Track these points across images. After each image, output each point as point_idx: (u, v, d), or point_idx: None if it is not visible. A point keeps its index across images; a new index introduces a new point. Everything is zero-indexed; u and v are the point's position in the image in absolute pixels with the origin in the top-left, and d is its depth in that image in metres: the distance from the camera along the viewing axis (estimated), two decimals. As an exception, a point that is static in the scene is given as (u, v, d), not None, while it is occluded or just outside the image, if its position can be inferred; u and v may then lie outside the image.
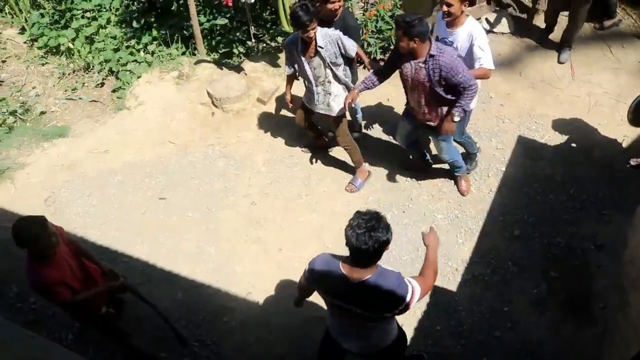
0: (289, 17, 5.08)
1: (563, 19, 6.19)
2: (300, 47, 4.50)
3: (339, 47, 4.47)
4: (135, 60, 6.57)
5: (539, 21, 6.48)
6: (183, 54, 6.60)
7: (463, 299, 4.47)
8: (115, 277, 3.81)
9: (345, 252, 4.76)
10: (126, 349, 4.12)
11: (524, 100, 5.85)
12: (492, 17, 6.61)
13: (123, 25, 6.81)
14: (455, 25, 4.29)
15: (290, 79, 4.98)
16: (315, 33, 4.33)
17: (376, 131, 5.73)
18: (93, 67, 6.60)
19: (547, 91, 5.92)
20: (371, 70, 4.67)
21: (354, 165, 5.24)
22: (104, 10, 6.86)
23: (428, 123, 4.52)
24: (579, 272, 4.54)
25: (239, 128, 5.91)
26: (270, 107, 6.07)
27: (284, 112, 5.98)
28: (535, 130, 5.56)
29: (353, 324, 3.02)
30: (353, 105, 4.77)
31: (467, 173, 5.22)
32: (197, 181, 5.46)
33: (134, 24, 6.69)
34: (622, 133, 5.38)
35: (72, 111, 6.30)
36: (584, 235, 4.74)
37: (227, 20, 6.51)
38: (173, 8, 6.82)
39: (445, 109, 4.34)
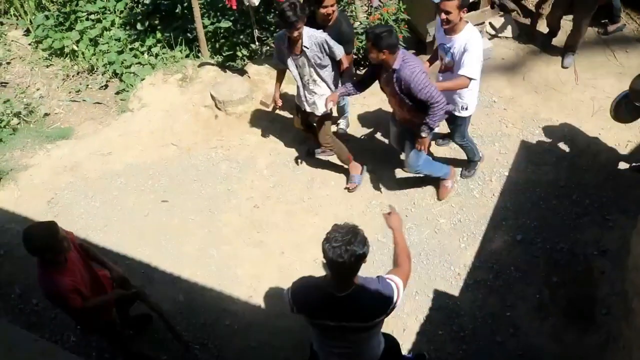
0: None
1: (567, 24, 6.18)
2: (287, 44, 4.58)
3: (325, 49, 4.53)
4: (139, 63, 6.59)
5: (543, 26, 6.47)
6: (187, 56, 6.61)
7: (465, 303, 4.46)
8: (127, 285, 3.78)
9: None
10: (128, 353, 4.12)
11: (528, 104, 5.84)
12: (495, 21, 6.60)
13: (127, 28, 6.83)
14: (453, 31, 4.29)
15: (280, 76, 5.07)
16: (300, 33, 4.40)
17: (379, 135, 5.72)
18: (97, 69, 6.62)
19: (551, 96, 5.90)
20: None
21: (344, 165, 5.29)
22: (109, 12, 6.87)
23: (408, 126, 4.60)
24: (582, 278, 4.52)
25: (242, 131, 5.91)
26: (274, 110, 6.07)
27: (287, 115, 5.99)
28: (539, 134, 5.54)
29: (344, 345, 2.97)
30: (331, 108, 4.79)
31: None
32: (199, 184, 5.46)
33: (138, 27, 6.71)
34: (626, 138, 5.37)
35: (76, 113, 6.32)
36: (587, 241, 4.73)
37: (230, 23, 6.51)
38: (177, 11, 6.84)
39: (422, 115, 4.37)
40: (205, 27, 6.39)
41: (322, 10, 4.65)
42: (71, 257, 3.41)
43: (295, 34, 4.37)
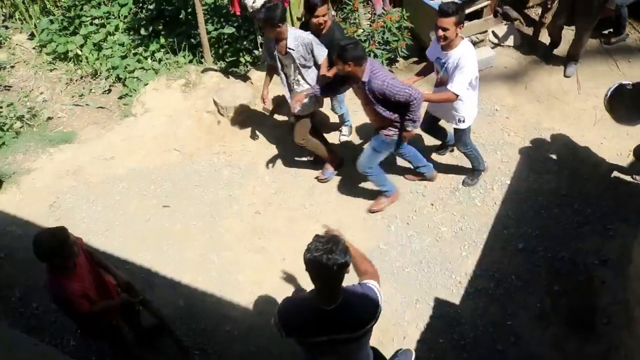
0: (294, 26, 5.40)
1: (569, 33, 6.19)
2: (274, 42, 4.71)
3: (311, 51, 4.62)
4: (143, 68, 6.62)
5: (545, 35, 6.49)
6: (190, 62, 6.64)
7: (466, 312, 4.45)
8: (132, 290, 3.79)
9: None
10: (129, 358, 4.11)
11: (530, 113, 5.85)
12: (498, 30, 6.63)
13: (131, 33, 6.86)
14: (450, 47, 4.33)
15: (269, 74, 5.19)
16: (280, 34, 4.57)
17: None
18: (100, 73, 6.65)
19: (553, 105, 5.91)
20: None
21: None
22: (113, 17, 6.91)
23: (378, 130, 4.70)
24: (583, 287, 4.51)
25: (244, 137, 5.92)
26: (276, 116, 6.08)
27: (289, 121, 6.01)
28: (541, 143, 5.55)
29: (334, 359, 2.95)
30: (297, 108, 4.84)
31: (467, 185, 5.26)
32: (201, 189, 5.47)
33: (142, 32, 6.74)
34: (628, 147, 5.36)
35: (79, 117, 6.34)
36: (588, 250, 4.72)
37: (234, 29, 6.54)
38: (181, 16, 6.87)
39: (392, 115, 4.44)
40: (208, 32, 6.42)
41: (314, 20, 4.75)
42: (80, 262, 3.41)
43: (271, 34, 4.58)
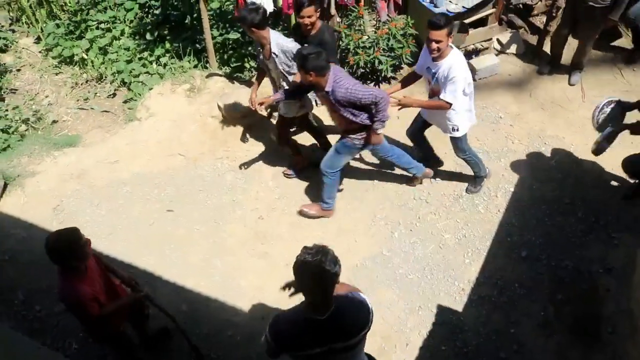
0: None
1: (573, 41, 6.19)
2: (259, 46, 4.81)
3: (292, 59, 4.64)
4: (148, 72, 6.63)
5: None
6: (195, 67, 6.65)
7: (469, 319, 4.44)
8: (137, 289, 3.78)
9: (352, 271, 4.77)
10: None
11: (534, 121, 5.85)
12: (503, 37, 6.64)
13: (137, 37, 6.89)
14: (441, 57, 4.35)
15: (258, 77, 5.29)
16: (259, 38, 4.69)
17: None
18: (105, 77, 6.67)
19: (558, 113, 5.91)
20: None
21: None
22: (119, 22, 6.94)
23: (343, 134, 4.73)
24: (587, 295, 4.50)
25: (248, 142, 5.93)
26: (269, 118, 6.09)
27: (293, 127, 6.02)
28: (545, 151, 5.55)
29: None
30: (263, 109, 4.96)
31: (470, 192, 5.25)
32: (205, 194, 5.48)
33: (148, 36, 6.76)
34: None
35: (84, 121, 6.35)
36: (592, 259, 4.71)
37: (239, 35, 6.56)
38: (186, 21, 6.89)
39: (359, 118, 4.45)
40: (214, 38, 6.44)
41: (300, 20, 4.82)
42: (90, 265, 3.41)
43: (253, 36, 4.71)
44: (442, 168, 5.47)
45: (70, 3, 7.21)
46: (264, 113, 5.40)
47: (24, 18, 7.32)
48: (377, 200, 5.31)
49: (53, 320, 4.61)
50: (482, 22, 6.28)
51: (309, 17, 4.74)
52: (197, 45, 6.73)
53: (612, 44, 6.56)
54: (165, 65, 6.67)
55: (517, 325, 4.37)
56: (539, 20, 6.93)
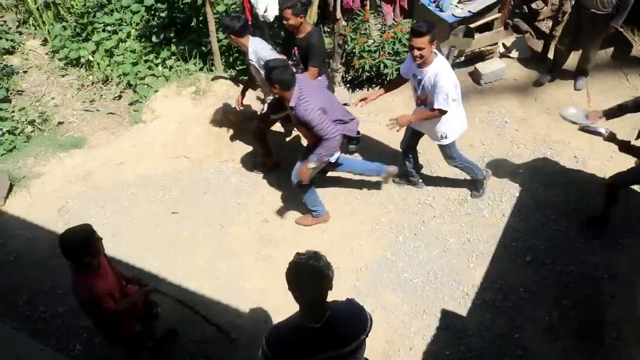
0: None
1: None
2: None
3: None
4: (153, 75, 6.66)
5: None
6: (200, 69, 6.67)
7: (473, 324, 4.42)
8: (142, 283, 3.81)
9: (356, 274, 4.76)
10: None
11: (540, 126, 5.84)
12: (509, 42, 6.64)
13: (143, 40, 6.91)
14: (425, 64, 4.33)
15: (248, 80, 5.44)
16: (239, 45, 4.95)
17: (390, 153, 5.72)
18: (111, 79, 6.70)
19: (563, 117, 5.89)
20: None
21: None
22: (125, 24, 6.97)
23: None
24: (592, 301, 4.48)
25: (253, 145, 5.94)
26: (285, 125, 6.10)
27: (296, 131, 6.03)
28: (550, 156, 5.53)
29: None
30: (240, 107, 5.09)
31: (475, 197, 5.24)
32: (210, 196, 5.48)
33: (154, 39, 6.79)
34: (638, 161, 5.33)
35: (89, 123, 6.38)
36: (597, 264, 4.69)
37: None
38: (192, 24, 6.92)
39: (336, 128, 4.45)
40: (219, 41, 6.46)
41: (284, 22, 4.87)
42: (102, 262, 3.43)
43: (233, 43, 4.96)
44: (446, 172, 5.46)
45: (77, 5, 7.25)
46: (240, 107, 5.49)
47: (31, 20, 7.36)
48: (382, 204, 5.30)
49: (57, 321, 4.62)
50: (487, 27, 6.27)
51: (287, 19, 4.80)
52: (203, 48, 6.75)
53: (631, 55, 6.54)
54: (171, 67, 6.69)
55: (521, 330, 4.36)
56: (545, 25, 6.93)
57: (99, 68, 6.76)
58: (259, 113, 5.70)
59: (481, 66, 6.39)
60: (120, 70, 6.66)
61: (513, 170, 5.46)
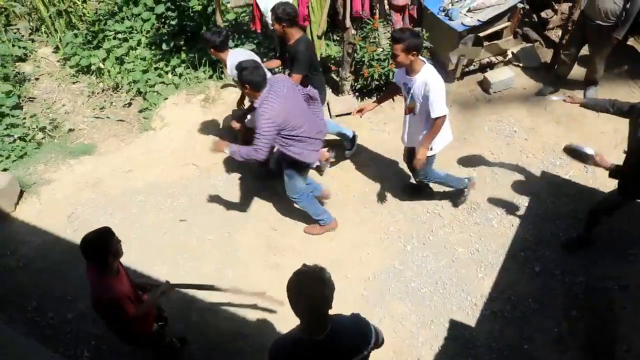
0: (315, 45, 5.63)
1: (581, 58, 6.16)
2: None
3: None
4: (163, 82, 6.70)
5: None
6: (210, 77, 6.70)
7: (482, 334, 4.40)
8: (156, 285, 3.84)
9: (364, 283, 4.75)
10: None
11: (549, 135, 5.81)
12: (518, 51, 6.62)
13: (153, 48, 6.96)
14: (412, 72, 4.33)
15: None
16: (218, 58, 5.13)
17: (397, 162, 5.71)
18: (122, 87, 6.74)
19: (573, 127, 5.87)
20: None
21: None
22: (135, 32, 7.01)
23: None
24: (602, 312, 4.44)
25: (262, 152, 5.95)
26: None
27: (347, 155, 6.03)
28: (560, 165, 5.50)
29: None
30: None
31: (456, 205, 5.24)
32: (218, 204, 5.49)
33: (164, 47, 6.83)
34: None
35: (99, 130, 6.42)
36: (607, 275, 4.65)
37: (254, 46, 6.60)
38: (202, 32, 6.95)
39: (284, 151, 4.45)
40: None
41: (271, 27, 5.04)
42: (119, 266, 3.47)
43: (213, 56, 5.12)
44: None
45: (88, 13, 7.31)
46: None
47: (44, 28, 7.44)
48: (390, 213, 5.29)
49: (65, 327, 4.64)
50: (497, 35, 6.27)
51: (272, 25, 4.93)
52: (213, 56, 6.77)
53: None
54: (180, 75, 6.74)
55: (530, 341, 4.33)
56: (555, 34, 6.91)
57: (110, 75, 6.81)
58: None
59: (490, 75, 6.38)
60: (131, 77, 6.70)
61: (522, 180, 5.43)
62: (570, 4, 6.66)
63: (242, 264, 5.01)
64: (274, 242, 5.16)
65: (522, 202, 5.24)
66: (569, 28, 6.24)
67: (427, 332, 4.44)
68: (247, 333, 4.52)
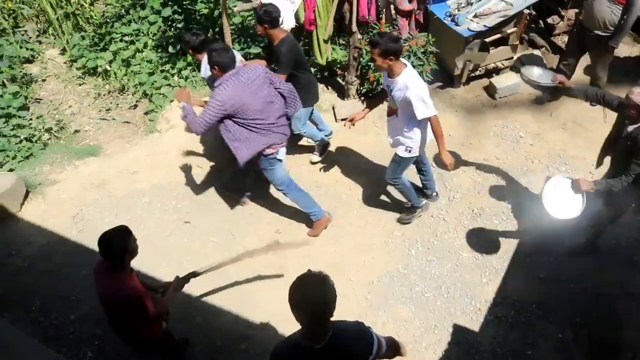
0: (321, 49, 5.75)
1: (581, 65, 6.15)
2: None
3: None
4: (169, 85, 6.71)
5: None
6: (216, 80, 6.70)
7: (485, 339, 4.38)
8: (164, 285, 3.86)
9: (368, 287, 4.74)
10: None
11: (555, 141, 5.80)
12: (524, 56, 6.62)
13: (159, 50, 6.98)
14: (392, 75, 4.34)
15: None
16: (195, 58, 5.24)
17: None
18: (128, 89, 6.76)
19: (579, 132, 5.86)
20: None
21: None
22: (142, 34, 7.04)
23: None
24: (607, 319, 4.42)
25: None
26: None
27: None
28: (565, 171, 5.49)
29: None
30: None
31: (401, 222, 5.23)
32: (222, 206, 5.50)
33: (170, 49, 6.85)
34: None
35: (105, 131, 6.44)
36: (612, 282, 4.63)
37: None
38: (209, 35, 6.97)
39: (233, 144, 4.51)
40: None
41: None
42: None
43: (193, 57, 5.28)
44: (460, 187, 5.44)
45: (95, 16, 7.34)
46: None
47: (51, 30, 7.47)
48: (395, 217, 5.28)
49: (69, 328, 4.64)
50: (503, 41, 6.26)
51: (256, 28, 5.04)
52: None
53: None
54: (186, 78, 6.75)
55: (534, 347, 4.31)
56: (561, 40, 6.91)
57: (116, 77, 6.83)
58: None
59: (496, 80, 6.38)
60: (137, 79, 6.72)
61: (527, 186, 5.42)
62: (576, 10, 6.69)
63: (246, 266, 4.96)
64: (278, 244, 5.16)
65: (527, 207, 5.22)
66: (575, 34, 6.25)
67: (431, 337, 4.43)
68: (251, 335, 4.51)
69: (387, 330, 4.29)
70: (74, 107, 6.69)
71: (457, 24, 6.04)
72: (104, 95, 6.79)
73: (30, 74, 6.97)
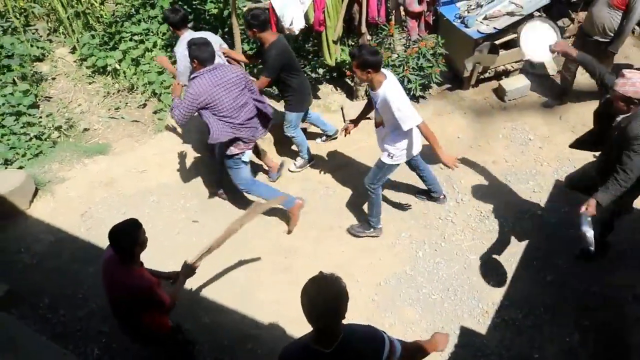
0: (330, 50, 5.80)
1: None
2: None
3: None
4: (178, 84, 6.73)
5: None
6: (225, 80, 6.71)
7: (492, 342, 4.36)
8: (171, 276, 3.92)
9: (375, 289, 4.73)
10: None
11: (564, 144, 5.75)
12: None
13: (169, 50, 7.00)
14: (373, 87, 4.35)
15: None
16: (175, 34, 5.33)
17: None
18: (137, 88, 6.79)
19: (588, 136, 5.82)
20: None
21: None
22: (152, 34, 7.07)
23: None
24: (615, 323, 4.39)
25: (274, 156, 5.97)
26: (307, 137, 6.12)
27: (319, 142, 6.04)
28: (574, 174, 5.46)
29: None
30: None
31: (351, 232, 5.20)
32: (230, 206, 5.51)
33: (179, 49, 6.87)
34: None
35: (114, 130, 6.46)
36: (621, 285, 4.60)
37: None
38: (218, 35, 6.98)
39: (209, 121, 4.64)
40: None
41: None
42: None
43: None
44: (467, 189, 5.43)
45: (105, 15, 7.37)
46: None
47: (61, 29, 7.51)
48: (403, 218, 5.28)
49: (76, 325, 4.66)
50: (513, 43, 6.24)
51: (246, 32, 5.11)
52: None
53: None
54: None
55: (541, 351, 4.29)
56: (571, 43, 6.86)
57: (125, 76, 6.87)
58: None
59: (506, 83, 6.37)
60: (146, 79, 6.75)
61: (536, 188, 5.40)
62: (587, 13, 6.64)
63: (253, 266, 5.01)
64: (285, 245, 5.16)
65: (536, 210, 5.21)
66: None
67: (438, 339, 4.41)
68: (257, 335, 4.52)
69: (394, 332, 4.28)
70: (84, 106, 6.72)
71: (466, 26, 6.03)
72: (113, 94, 6.82)
73: (41, 73, 7.01)
